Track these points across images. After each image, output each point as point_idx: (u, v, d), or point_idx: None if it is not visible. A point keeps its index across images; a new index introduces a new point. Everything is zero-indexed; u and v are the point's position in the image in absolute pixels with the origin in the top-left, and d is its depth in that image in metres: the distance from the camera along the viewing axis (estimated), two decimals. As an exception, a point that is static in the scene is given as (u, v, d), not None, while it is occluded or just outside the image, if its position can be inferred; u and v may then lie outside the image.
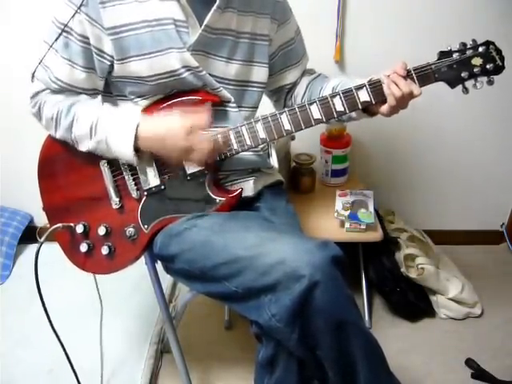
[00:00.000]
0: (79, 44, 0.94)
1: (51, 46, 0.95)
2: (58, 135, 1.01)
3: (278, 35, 1.09)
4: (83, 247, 1.06)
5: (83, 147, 1.00)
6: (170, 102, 1.01)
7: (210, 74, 1.00)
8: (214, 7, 0.96)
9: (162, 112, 0.99)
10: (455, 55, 0.95)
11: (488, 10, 1.58)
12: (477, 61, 0.95)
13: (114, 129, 0.95)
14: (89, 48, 0.95)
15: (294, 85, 1.19)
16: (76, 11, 0.91)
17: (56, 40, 0.94)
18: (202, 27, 0.96)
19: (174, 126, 0.92)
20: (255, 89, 1.09)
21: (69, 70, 0.97)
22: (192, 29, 0.96)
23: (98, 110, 0.98)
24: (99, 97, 1.05)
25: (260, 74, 1.08)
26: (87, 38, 0.94)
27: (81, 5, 0.90)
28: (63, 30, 0.93)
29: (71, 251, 1.09)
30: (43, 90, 1.00)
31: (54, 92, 1.00)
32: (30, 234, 1.95)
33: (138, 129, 0.93)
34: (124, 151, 0.95)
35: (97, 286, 1.11)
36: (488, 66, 0.95)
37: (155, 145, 0.95)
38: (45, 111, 1.00)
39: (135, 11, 0.93)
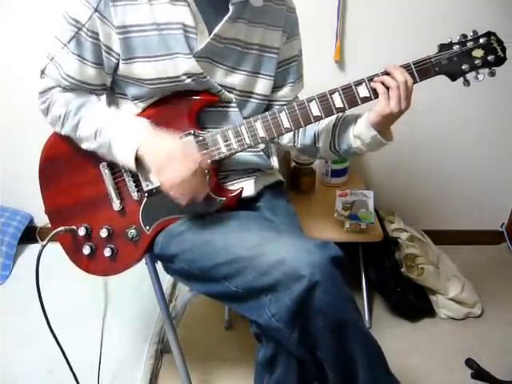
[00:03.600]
0: (90, 40, 0.94)
1: (65, 45, 0.95)
2: (63, 132, 1.02)
3: (284, 49, 1.08)
4: (86, 250, 1.06)
5: (85, 146, 1.01)
6: (167, 105, 1.00)
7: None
8: (226, 17, 0.95)
9: (163, 126, 0.97)
10: (455, 47, 0.93)
11: (489, 11, 1.58)
12: (478, 52, 0.92)
13: (118, 136, 0.96)
14: (98, 44, 0.95)
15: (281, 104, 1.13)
16: (93, 12, 0.91)
17: (71, 39, 0.94)
18: (212, 36, 0.96)
19: (173, 152, 0.90)
20: (257, 101, 1.07)
21: (80, 66, 0.96)
22: (200, 36, 0.96)
23: (105, 115, 0.99)
24: (104, 99, 1.06)
25: (264, 86, 1.06)
26: (97, 34, 0.94)
27: (97, 6, 0.90)
28: (79, 29, 0.92)
29: (74, 254, 1.09)
30: (54, 87, 1.00)
31: (65, 90, 1.00)
32: (30, 234, 1.95)
33: (140, 143, 0.93)
34: (126, 160, 0.96)
35: (105, 286, 1.11)
36: (489, 58, 0.92)
37: (154, 160, 0.93)
38: (53, 110, 1.00)
39: (146, 12, 0.93)
